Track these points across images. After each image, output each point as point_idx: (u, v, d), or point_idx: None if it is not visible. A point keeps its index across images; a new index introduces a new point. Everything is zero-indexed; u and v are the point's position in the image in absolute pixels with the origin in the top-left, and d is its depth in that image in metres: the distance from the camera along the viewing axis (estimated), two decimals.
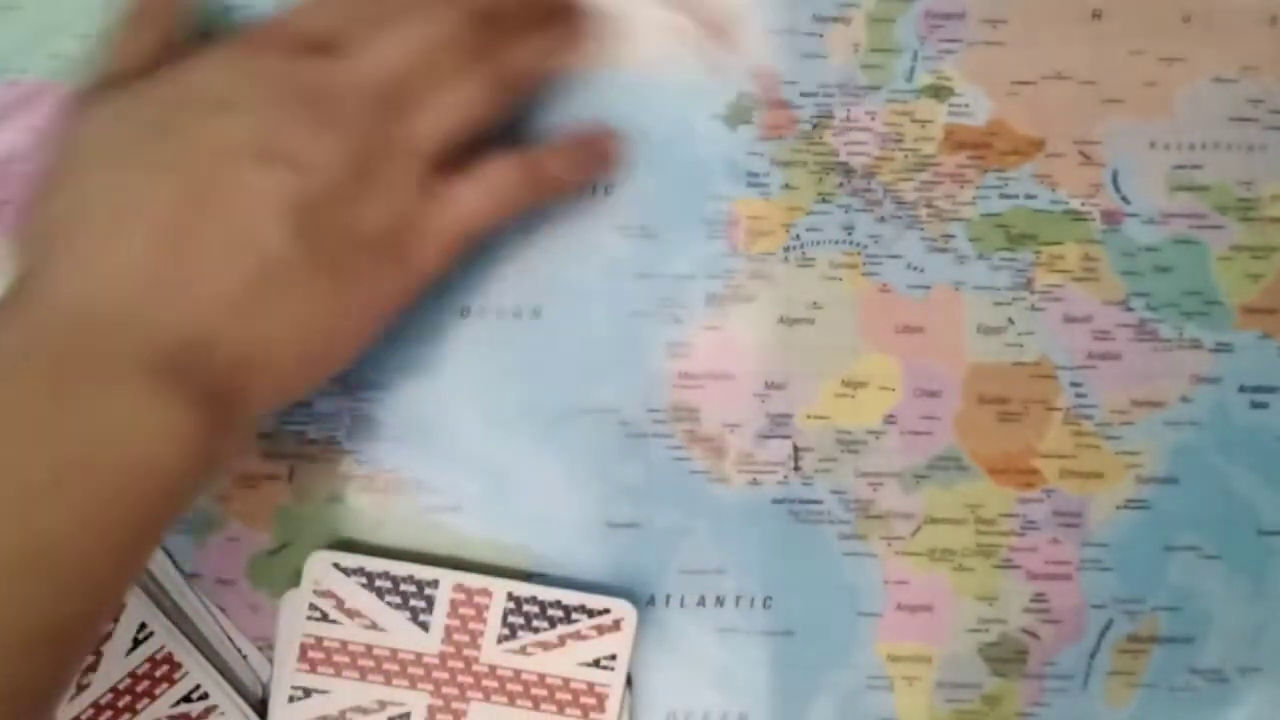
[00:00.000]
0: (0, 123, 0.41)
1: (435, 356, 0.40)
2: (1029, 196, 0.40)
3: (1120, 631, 0.39)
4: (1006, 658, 0.39)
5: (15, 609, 0.28)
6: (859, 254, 0.40)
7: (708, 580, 0.39)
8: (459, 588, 0.38)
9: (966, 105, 0.41)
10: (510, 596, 0.37)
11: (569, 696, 0.37)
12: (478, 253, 0.40)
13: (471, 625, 0.37)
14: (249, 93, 0.33)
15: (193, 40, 0.37)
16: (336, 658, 0.37)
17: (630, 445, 0.40)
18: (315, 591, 0.37)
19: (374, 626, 0.37)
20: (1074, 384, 0.40)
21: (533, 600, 0.37)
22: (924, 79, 0.41)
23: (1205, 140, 0.41)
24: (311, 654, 0.37)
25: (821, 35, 0.41)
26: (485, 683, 0.37)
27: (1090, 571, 0.39)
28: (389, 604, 0.37)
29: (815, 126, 0.40)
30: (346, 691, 0.37)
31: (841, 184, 0.40)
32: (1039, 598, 0.39)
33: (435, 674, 0.37)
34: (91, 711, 0.37)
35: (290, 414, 0.39)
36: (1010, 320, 0.40)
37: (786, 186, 0.40)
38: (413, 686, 0.37)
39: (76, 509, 0.29)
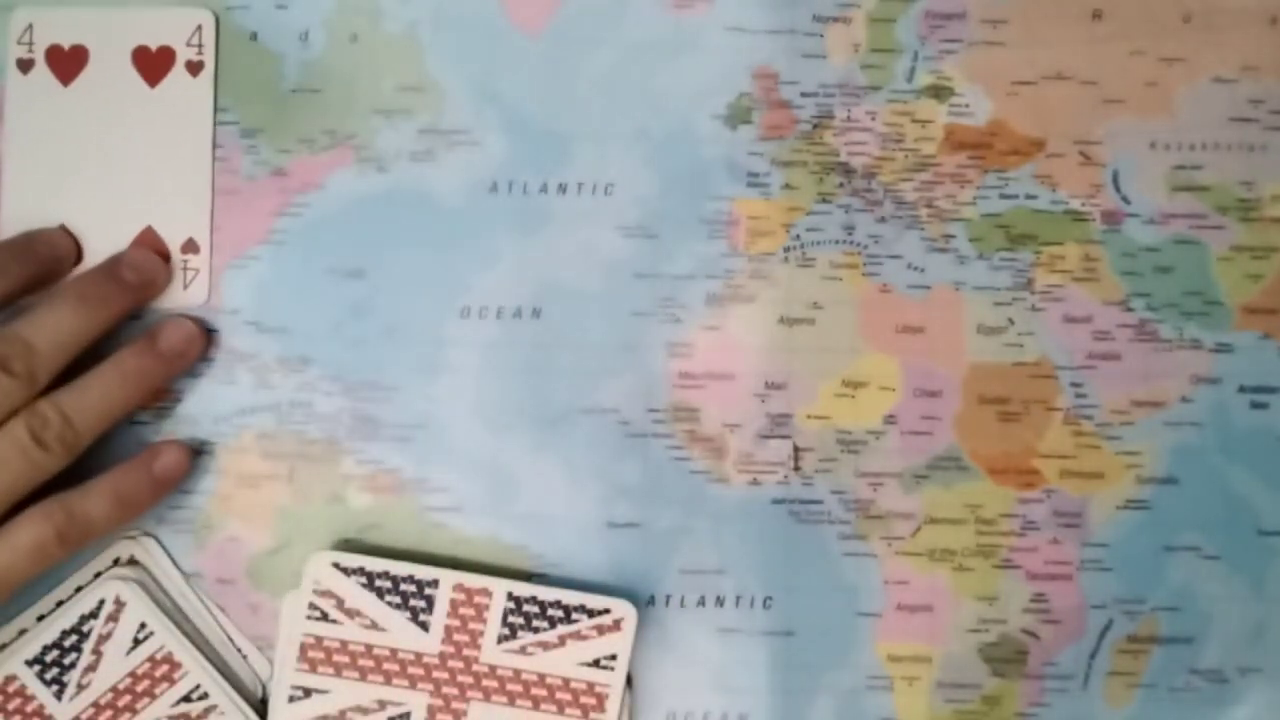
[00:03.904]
0: None
1: (435, 356, 0.40)
2: (1029, 196, 0.40)
3: (1120, 632, 0.39)
4: (1006, 658, 0.39)
5: None
6: (859, 254, 0.40)
7: (708, 580, 0.39)
8: (459, 588, 0.38)
9: (967, 105, 0.41)
10: (510, 596, 0.37)
11: (569, 696, 0.37)
12: (478, 253, 0.40)
13: (471, 625, 0.37)
14: None
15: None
16: (336, 658, 0.37)
17: (630, 445, 0.40)
18: (315, 591, 0.37)
19: (374, 626, 0.37)
20: (1074, 384, 0.40)
21: (533, 600, 0.37)
22: (924, 79, 0.41)
23: (1205, 140, 0.41)
24: (311, 654, 0.37)
25: (821, 35, 0.41)
26: (485, 683, 0.37)
27: (1090, 571, 0.39)
28: (389, 604, 0.37)
29: (815, 126, 0.40)
30: (346, 691, 0.37)
31: (842, 184, 0.40)
32: (1039, 598, 0.39)
33: (435, 674, 0.37)
34: (91, 711, 0.37)
35: (290, 414, 0.39)
36: (1010, 320, 0.40)
37: (787, 186, 0.40)
38: (413, 686, 0.37)
39: None
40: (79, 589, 0.38)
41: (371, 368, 0.40)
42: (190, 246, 0.39)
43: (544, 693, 0.37)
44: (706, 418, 0.40)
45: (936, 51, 0.41)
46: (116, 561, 0.39)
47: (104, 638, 0.37)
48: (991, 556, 0.39)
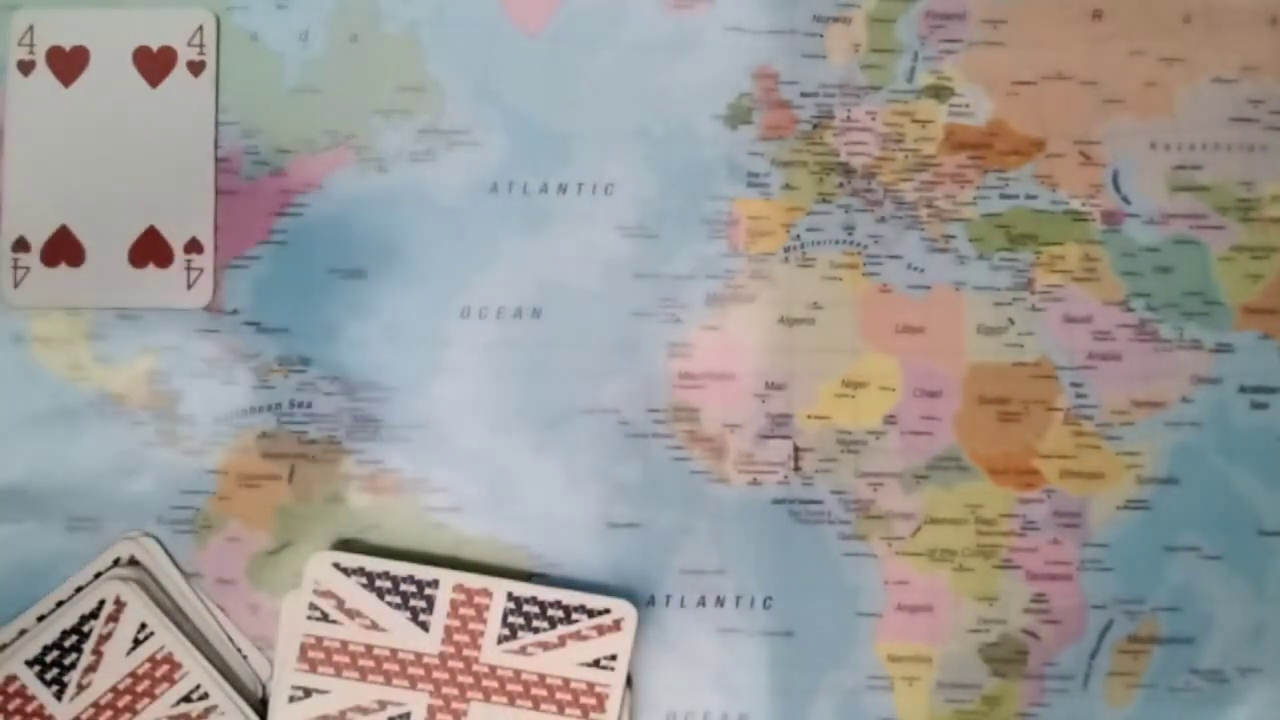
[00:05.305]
0: None
1: (435, 356, 0.40)
2: (1029, 197, 0.40)
3: (1120, 632, 0.39)
4: (1006, 658, 0.39)
5: None
6: (859, 254, 0.40)
7: (708, 580, 0.39)
8: (459, 588, 0.38)
9: (967, 105, 0.41)
10: (510, 596, 0.37)
11: (569, 696, 0.37)
12: (478, 253, 0.40)
13: (471, 625, 0.37)
14: None
15: None
16: (336, 658, 0.37)
17: (630, 445, 0.40)
18: (315, 591, 0.37)
19: (374, 626, 0.37)
20: (1074, 384, 0.40)
21: (533, 600, 0.38)
22: (924, 79, 0.41)
23: (1205, 140, 0.41)
24: (311, 654, 0.37)
25: (821, 35, 0.41)
26: (485, 683, 0.37)
27: (1090, 572, 0.39)
28: (389, 604, 0.37)
29: (815, 126, 0.40)
30: (346, 691, 0.37)
31: (842, 184, 0.40)
32: (1039, 598, 0.39)
33: (435, 674, 0.37)
34: (91, 711, 0.37)
35: (290, 414, 0.39)
36: (1010, 320, 0.40)
37: (787, 186, 0.40)
38: (413, 686, 0.37)
39: None
40: (79, 589, 0.38)
41: (371, 368, 0.40)
42: (193, 246, 0.39)
43: (544, 693, 0.37)
44: (706, 418, 0.40)
45: (936, 51, 0.41)
46: (117, 562, 0.39)
47: (104, 638, 0.37)
48: (991, 556, 0.39)
